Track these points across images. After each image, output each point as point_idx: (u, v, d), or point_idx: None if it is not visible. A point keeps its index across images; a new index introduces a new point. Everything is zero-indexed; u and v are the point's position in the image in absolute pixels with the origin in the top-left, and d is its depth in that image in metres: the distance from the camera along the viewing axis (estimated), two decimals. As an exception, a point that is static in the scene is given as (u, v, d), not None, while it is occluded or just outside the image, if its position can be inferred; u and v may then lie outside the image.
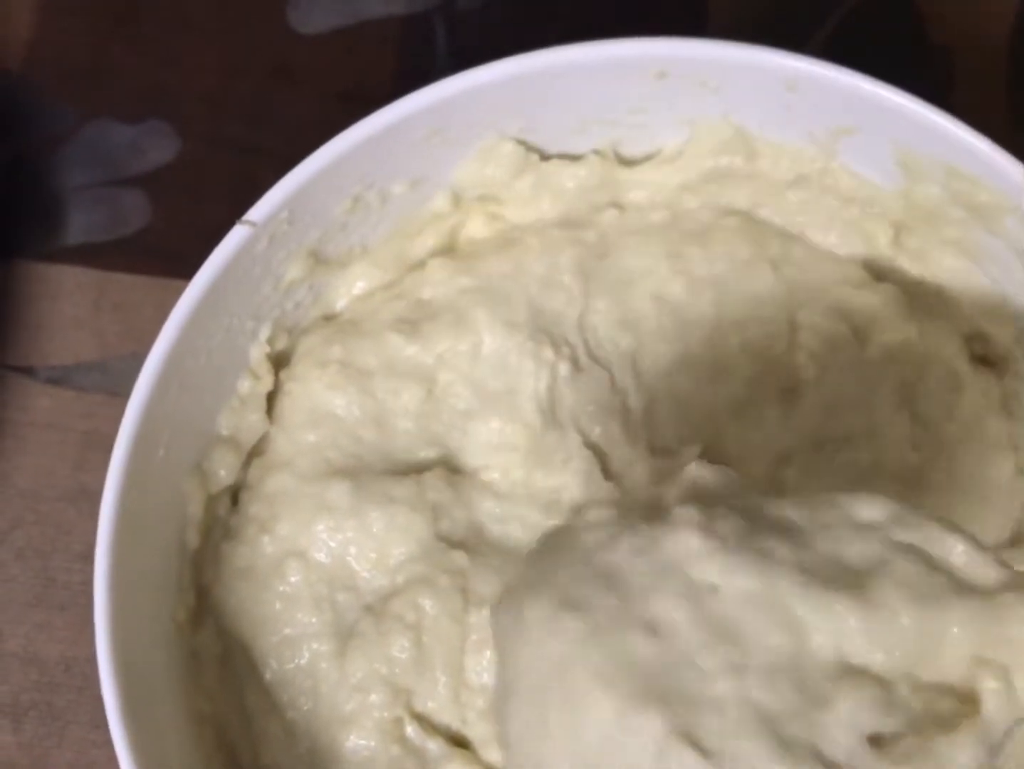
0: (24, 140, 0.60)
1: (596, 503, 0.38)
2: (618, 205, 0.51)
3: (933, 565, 0.34)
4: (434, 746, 0.46)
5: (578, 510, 0.39)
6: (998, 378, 0.50)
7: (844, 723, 0.32)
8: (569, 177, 0.51)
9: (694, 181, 0.51)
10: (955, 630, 0.33)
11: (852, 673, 0.33)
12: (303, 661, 0.47)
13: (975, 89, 0.60)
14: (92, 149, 0.60)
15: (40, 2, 0.62)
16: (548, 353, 0.49)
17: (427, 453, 0.50)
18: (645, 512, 0.37)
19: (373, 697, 0.46)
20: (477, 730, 0.46)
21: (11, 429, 0.57)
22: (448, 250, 0.52)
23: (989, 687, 0.32)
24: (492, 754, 0.46)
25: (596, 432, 0.49)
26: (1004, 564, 0.34)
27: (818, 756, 0.32)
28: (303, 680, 0.47)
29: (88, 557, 0.55)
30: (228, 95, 0.61)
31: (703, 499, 0.36)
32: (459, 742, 0.47)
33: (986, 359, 0.51)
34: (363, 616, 0.47)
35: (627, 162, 0.51)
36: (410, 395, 0.50)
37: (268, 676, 0.47)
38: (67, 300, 0.58)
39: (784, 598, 0.33)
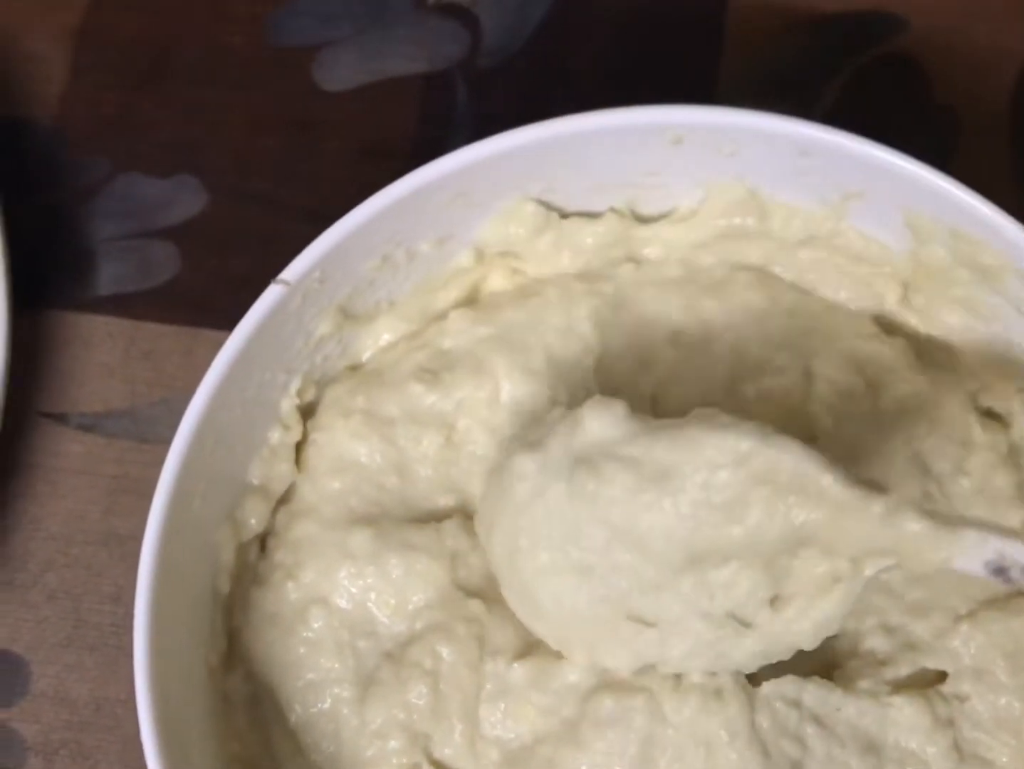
0: (56, 192, 0.62)
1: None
2: (634, 260, 0.53)
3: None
4: None
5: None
6: (1005, 431, 0.52)
7: (746, 592, 0.43)
8: (588, 234, 0.53)
9: (708, 239, 0.53)
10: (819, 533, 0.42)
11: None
12: (326, 706, 0.48)
13: (979, 148, 0.62)
14: (123, 202, 0.62)
15: (73, 57, 0.64)
16: (564, 402, 0.51)
17: (446, 500, 0.51)
18: None
19: (392, 743, 0.47)
20: None
21: (43, 474, 0.59)
22: (470, 302, 0.54)
23: (843, 565, 0.42)
24: None
25: None
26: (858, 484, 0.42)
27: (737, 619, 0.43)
28: (326, 724, 0.48)
29: (117, 599, 0.57)
30: (254, 150, 0.63)
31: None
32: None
33: (992, 413, 0.52)
34: (383, 663, 0.48)
35: (643, 219, 0.53)
36: (429, 441, 0.51)
37: (293, 719, 0.49)
38: (98, 348, 0.60)
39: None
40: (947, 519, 0.42)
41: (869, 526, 0.42)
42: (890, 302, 0.53)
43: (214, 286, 0.61)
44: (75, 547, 0.58)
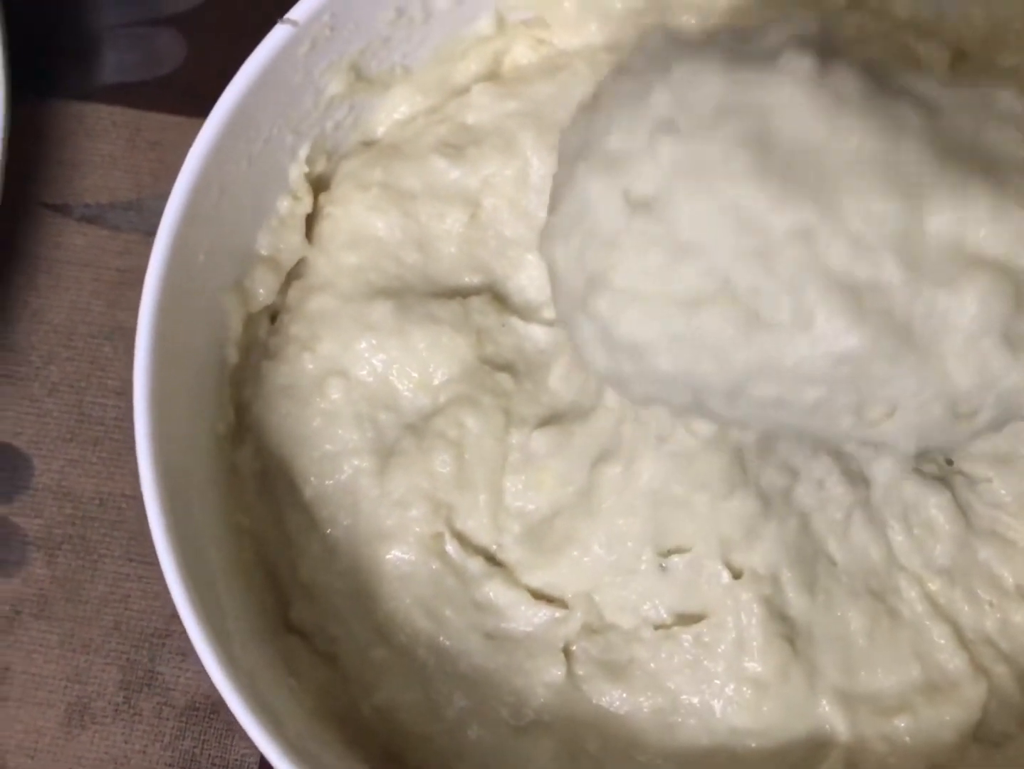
0: (58, -21, 0.60)
1: None
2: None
3: None
4: (474, 564, 0.45)
5: None
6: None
7: (970, 310, 0.31)
8: (618, -1, 0.50)
9: (745, 2, 0.50)
10: None
11: (978, 262, 0.31)
12: (343, 477, 0.46)
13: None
14: (127, -12, 0.59)
15: None
16: None
17: (471, 278, 0.49)
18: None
19: (413, 512, 0.46)
20: (513, 555, 0.46)
21: (46, 266, 0.56)
22: (492, 76, 0.51)
23: None
24: (529, 579, 0.46)
25: None
26: None
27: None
28: (343, 497, 0.46)
29: (122, 393, 0.55)
30: (265, -64, 0.60)
31: (822, 48, 0.32)
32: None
33: None
34: (404, 435, 0.46)
35: (680, -16, 0.50)
36: (454, 219, 0.49)
37: (308, 493, 0.47)
38: (102, 138, 0.58)
39: (909, 166, 0.31)
40: None
41: None
42: None
43: (222, 76, 0.57)
44: (78, 340, 0.55)
